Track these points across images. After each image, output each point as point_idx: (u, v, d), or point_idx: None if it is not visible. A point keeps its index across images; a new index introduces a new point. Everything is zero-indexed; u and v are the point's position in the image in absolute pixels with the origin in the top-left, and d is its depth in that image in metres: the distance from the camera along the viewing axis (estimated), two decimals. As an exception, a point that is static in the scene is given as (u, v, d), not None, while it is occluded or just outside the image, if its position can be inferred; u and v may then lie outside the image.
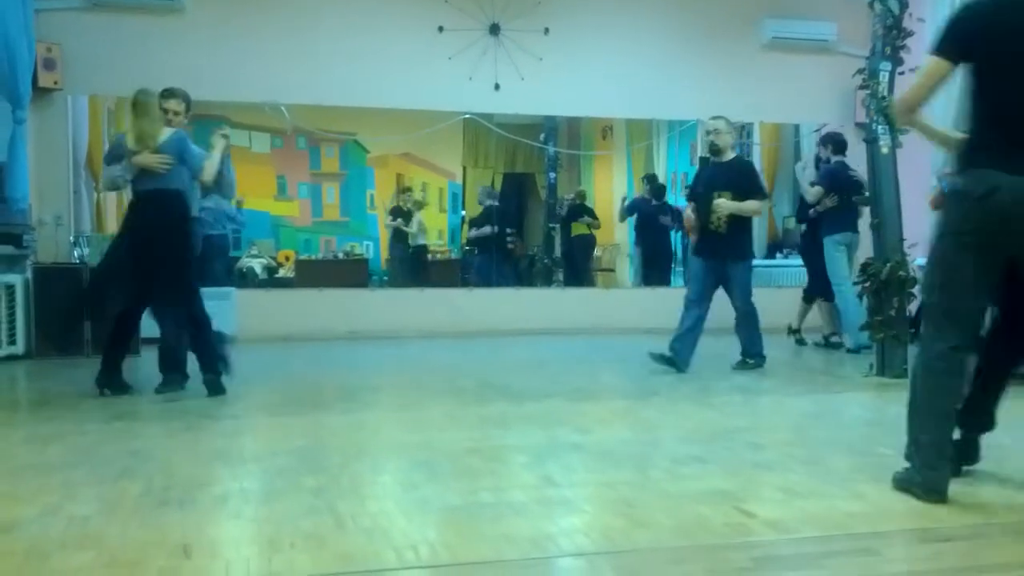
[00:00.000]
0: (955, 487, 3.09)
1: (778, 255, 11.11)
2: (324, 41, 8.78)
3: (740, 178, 6.40)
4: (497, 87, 9.23)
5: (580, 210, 11.42)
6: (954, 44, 3.07)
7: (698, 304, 6.40)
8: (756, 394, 5.55)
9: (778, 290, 10.29)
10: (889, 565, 2.49)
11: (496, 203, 11.11)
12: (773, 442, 4.02)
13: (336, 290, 9.22)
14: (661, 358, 6.27)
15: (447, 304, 9.29)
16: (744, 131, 11.06)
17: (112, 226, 9.14)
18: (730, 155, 6.53)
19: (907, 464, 3.11)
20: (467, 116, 9.56)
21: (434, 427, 4.51)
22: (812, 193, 7.70)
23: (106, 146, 9.20)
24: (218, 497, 3.13)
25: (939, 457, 3.01)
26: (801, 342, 8.05)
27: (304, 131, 10.69)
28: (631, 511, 2.96)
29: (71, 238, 8.16)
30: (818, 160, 8.05)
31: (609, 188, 12.31)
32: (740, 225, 6.37)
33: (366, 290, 10.03)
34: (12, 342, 7.25)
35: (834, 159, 7.74)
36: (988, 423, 3.34)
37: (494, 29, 9.18)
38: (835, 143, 7.81)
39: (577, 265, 11.43)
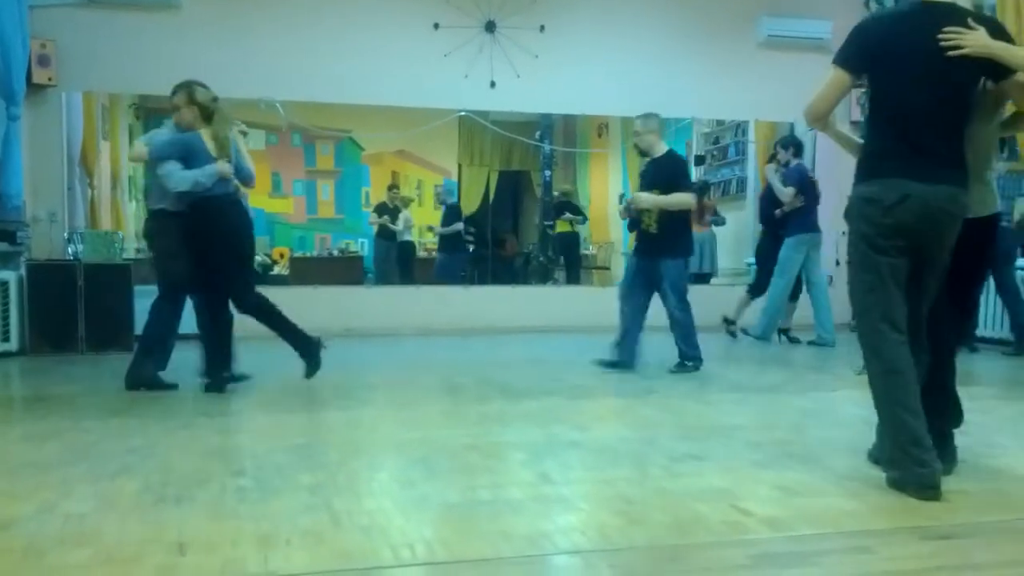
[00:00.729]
0: (951, 485, 3.10)
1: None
2: (320, 38, 8.76)
3: (666, 174, 6.31)
4: (493, 84, 9.22)
5: (563, 207, 11.44)
6: (854, 56, 3.20)
7: (625, 300, 6.35)
8: (753, 392, 5.56)
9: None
10: (885, 563, 2.49)
11: (455, 200, 11.14)
12: (770, 440, 4.02)
13: (331, 287, 9.20)
14: (605, 363, 6.28)
15: (443, 302, 9.28)
16: (739, 129, 11.09)
17: (106, 223, 9.14)
18: (660, 151, 6.41)
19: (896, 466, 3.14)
20: (462, 113, 9.56)
21: (432, 424, 4.51)
22: (787, 194, 7.87)
23: (102, 142, 9.25)
24: (215, 494, 3.13)
25: (922, 451, 3.04)
26: (734, 333, 8.46)
27: (299, 128, 10.68)
28: (628, 509, 2.96)
29: (65, 235, 8.13)
30: (774, 161, 8.32)
31: (605, 186, 12.33)
32: (672, 223, 6.25)
33: (361, 287, 10.04)
34: (6, 339, 7.23)
35: (794, 161, 8.02)
36: (956, 417, 3.39)
37: (490, 26, 9.17)
38: (796, 145, 8.11)
39: (561, 262, 11.46)
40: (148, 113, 10.25)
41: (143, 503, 3.02)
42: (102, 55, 8.20)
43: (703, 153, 11.62)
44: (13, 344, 7.26)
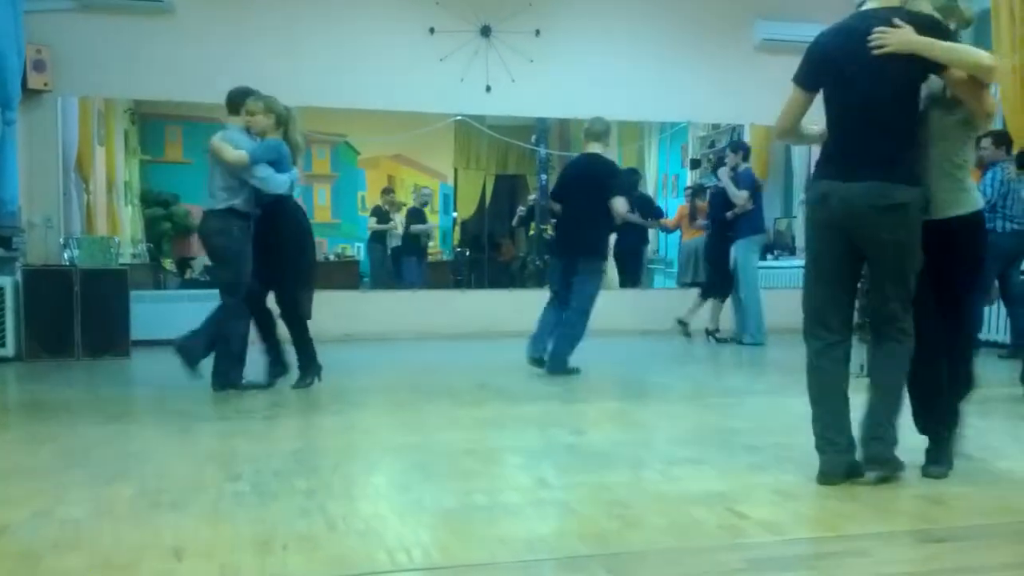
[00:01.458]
0: (948, 488, 3.11)
1: (769, 256, 11.12)
2: (315, 43, 8.77)
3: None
4: (488, 89, 9.24)
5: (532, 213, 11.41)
6: (806, 73, 3.35)
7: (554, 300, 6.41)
8: (750, 395, 5.56)
9: (770, 291, 10.32)
10: (882, 566, 2.49)
11: (427, 201, 11.12)
12: (766, 444, 4.02)
13: (328, 292, 9.16)
14: (534, 361, 6.32)
15: (439, 306, 9.28)
16: (735, 132, 11.09)
17: (102, 228, 9.12)
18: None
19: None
20: (458, 118, 9.56)
21: (428, 428, 4.50)
22: (741, 198, 8.08)
23: (98, 147, 9.23)
24: (211, 499, 3.12)
25: (823, 441, 3.26)
26: (688, 333, 8.55)
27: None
28: (625, 512, 2.96)
29: (61, 240, 8.13)
30: (720, 165, 8.56)
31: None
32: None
33: (358, 292, 10.01)
34: (2, 344, 7.22)
35: (743, 165, 8.27)
36: (954, 419, 3.41)
37: (485, 31, 9.18)
38: (745, 150, 8.44)
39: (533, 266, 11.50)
40: (144, 118, 10.24)
41: (139, 508, 3.01)
42: (97, 60, 8.20)
43: (698, 157, 11.62)
44: (9, 350, 7.25)
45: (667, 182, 11.77)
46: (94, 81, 8.28)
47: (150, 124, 10.35)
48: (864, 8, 3.28)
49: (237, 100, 5.65)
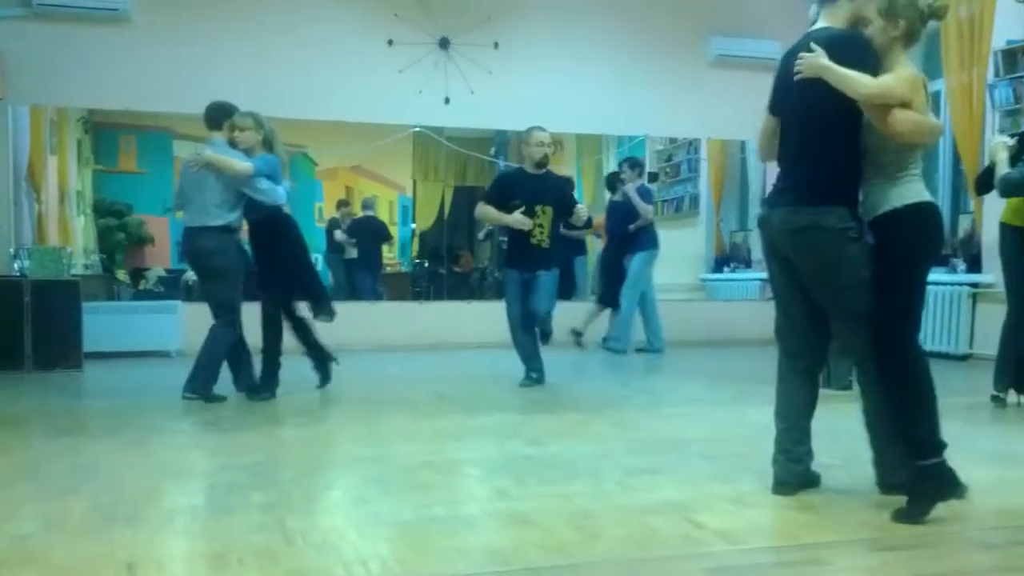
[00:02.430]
0: (900, 498, 3.14)
1: (725, 269, 11.26)
2: (273, 54, 8.72)
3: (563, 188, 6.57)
4: (447, 101, 9.25)
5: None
6: (771, 97, 3.41)
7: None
8: (707, 405, 5.61)
9: (727, 303, 10.45)
10: (838, 574, 2.53)
11: (373, 212, 11.10)
12: (724, 453, 4.06)
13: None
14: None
15: (397, 317, 9.25)
16: (692, 146, 11.22)
17: (54, 238, 8.97)
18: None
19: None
20: (417, 129, 9.55)
21: (386, 441, 4.48)
22: (649, 211, 8.43)
23: (50, 157, 9.08)
24: (166, 513, 3.08)
25: (778, 450, 3.31)
26: (582, 344, 8.68)
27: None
28: (585, 523, 2.97)
29: (11, 250, 7.98)
30: (615, 182, 8.81)
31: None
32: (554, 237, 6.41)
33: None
34: (-50, 357, 7.05)
35: (639, 181, 8.57)
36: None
37: (444, 43, 9.19)
38: (640, 167, 8.77)
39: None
40: (97, 127, 10.10)
41: (92, 523, 2.96)
42: (50, 68, 8.08)
43: (656, 170, 11.72)
44: (-43, 362, 7.09)
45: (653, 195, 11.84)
46: (47, 90, 8.16)
47: (104, 133, 10.20)
48: (811, 28, 3.32)
49: (219, 115, 5.63)
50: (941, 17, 3.24)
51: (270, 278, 5.70)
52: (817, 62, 3.07)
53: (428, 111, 9.23)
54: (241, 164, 5.37)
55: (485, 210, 6.36)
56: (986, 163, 5.51)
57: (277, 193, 5.58)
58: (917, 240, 3.13)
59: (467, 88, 9.22)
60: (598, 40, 9.65)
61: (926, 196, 3.17)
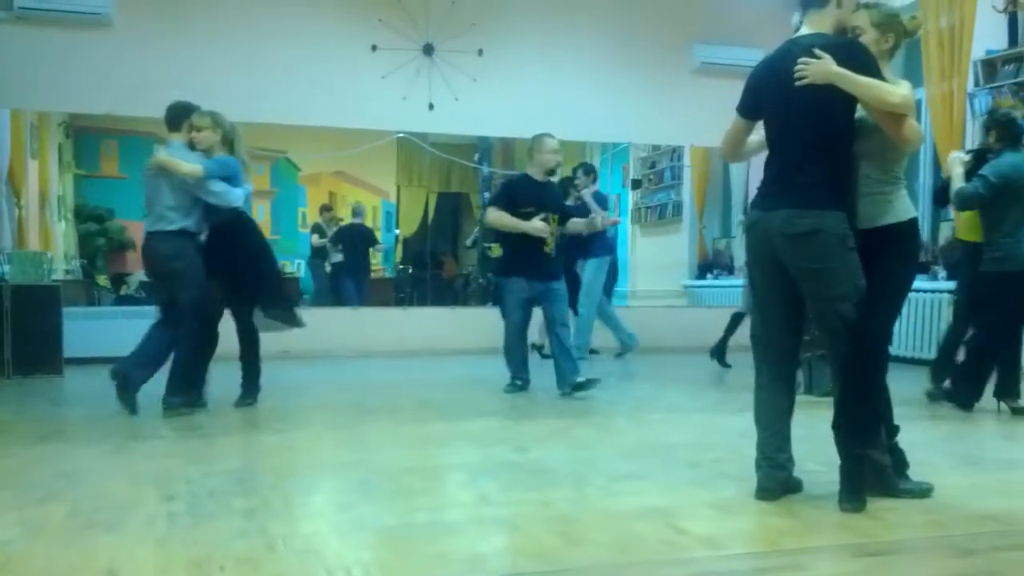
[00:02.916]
0: (880, 503, 3.18)
1: (708, 275, 11.31)
2: (256, 58, 8.69)
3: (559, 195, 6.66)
4: (431, 107, 9.25)
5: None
6: (743, 101, 3.46)
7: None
8: (690, 412, 5.63)
9: (709, 310, 10.47)
10: (820, 579, 2.54)
11: (362, 219, 11.08)
12: (707, 459, 4.07)
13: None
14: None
15: (381, 323, 9.23)
16: (675, 153, 11.28)
17: (35, 243, 8.92)
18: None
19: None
20: (401, 135, 9.55)
21: (369, 447, 4.47)
22: (606, 216, 8.15)
23: (30, 161, 9.03)
24: (147, 519, 3.06)
25: (760, 457, 3.32)
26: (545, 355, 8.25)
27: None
28: (567, 529, 2.97)
29: (-9, 255, 7.92)
30: (569, 187, 8.62)
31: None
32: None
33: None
34: (-72, 362, 6.99)
35: (593, 187, 8.52)
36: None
37: (428, 49, 9.20)
38: (595, 172, 8.80)
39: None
40: (79, 131, 10.06)
41: (72, 529, 2.94)
42: (31, 72, 8.03)
43: (639, 177, 11.78)
44: (-64, 368, 7.03)
45: (609, 202, 11.88)
46: (28, 93, 8.11)
47: (85, 138, 10.18)
48: (796, 35, 3.35)
49: (179, 116, 5.48)
50: (912, 35, 3.41)
51: (232, 284, 5.51)
52: (829, 69, 3.06)
53: (412, 117, 9.22)
54: (188, 166, 5.19)
55: (500, 216, 6.16)
56: (943, 177, 5.68)
57: (232, 195, 5.37)
58: (916, 252, 3.32)
59: (451, 94, 9.23)
60: (582, 47, 9.68)
61: (914, 210, 3.31)
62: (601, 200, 8.50)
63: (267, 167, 11.58)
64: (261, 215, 11.53)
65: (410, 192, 11.87)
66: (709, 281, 11.22)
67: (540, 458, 4.18)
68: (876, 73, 3.13)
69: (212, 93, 8.43)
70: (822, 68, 3.08)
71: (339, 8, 9.04)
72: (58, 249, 9.63)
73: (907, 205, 3.27)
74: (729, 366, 7.65)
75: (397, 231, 11.99)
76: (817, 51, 3.11)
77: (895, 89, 3.07)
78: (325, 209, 11.32)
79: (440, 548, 2.75)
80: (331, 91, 8.91)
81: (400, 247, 11.89)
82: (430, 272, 11.43)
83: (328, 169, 11.51)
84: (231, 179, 5.38)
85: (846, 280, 3.14)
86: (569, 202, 8.45)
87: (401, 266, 11.69)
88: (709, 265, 11.46)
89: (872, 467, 3.24)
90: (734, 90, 3.53)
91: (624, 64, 9.76)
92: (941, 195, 5.70)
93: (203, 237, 5.52)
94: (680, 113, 9.82)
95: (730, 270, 11.03)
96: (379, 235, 11.68)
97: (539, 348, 8.49)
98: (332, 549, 2.75)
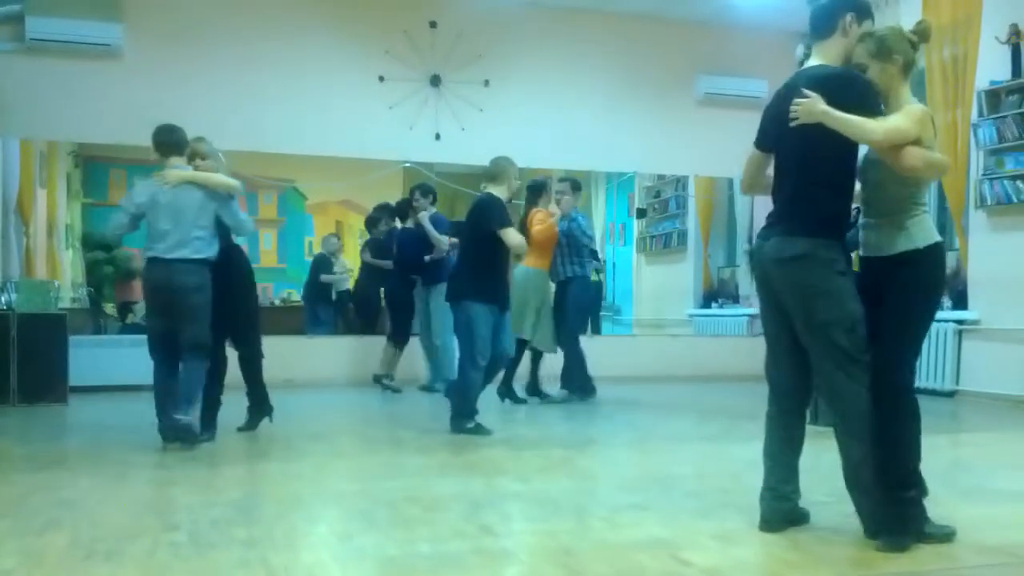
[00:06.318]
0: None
1: (713, 304, 11.29)
2: (264, 88, 8.76)
3: None
4: (438, 137, 9.30)
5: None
6: (758, 134, 3.47)
7: None
8: (693, 441, 5.60)
9: (714, 339, 10.46)
10: (823, 612, 2.52)
11: (335, 250, 10.97)
12: (710, 489, 4.05)
13: (273, 337, 9.05)
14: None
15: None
16: (680, 183, 11.31)
17: (42, 272, 8.96)
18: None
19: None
20: (407, 165, 9.59)
21: (372, 476, 4.46)
22: (444, 242, 8.00)
23: (39, 190, 9.09)
24: (147, 549, 3.04)
25: (765, 488, 3.31)
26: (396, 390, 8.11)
27: (242, 177, 10.59)
28: (569, 560, 2.95)
29: (-1, 283, 7.95)
30: (406, 209, 8.37)
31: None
32: None
33: (304, 337, 9.92)
34: (-65, 390, 6.99)
35: (432, 209, 8.18)
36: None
37: (435, 80, 9.26)
38: (433, 193, 8.30)
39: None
40: (88, 161, 10.12)
41: (72, 559, 2.93)
42: (41, 102, 8.10)
43: (644, 206, 11.80)
44: (-57, 395, 7.03)
45: (614, 231, 11.92)
46: (37, 123, 8.17)
47: (94, 167, 10.24)
48: (803, 66, 3.36)
49: (182, 139, 5.23)
50: (927, 39, 3.28)
51: (220, 317, 5.18)
52: (814, 108, 3.06)
53: (418, 147, 9.28)
54: (225, 178, 4.99)
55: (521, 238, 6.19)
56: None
57: (250, 222, 5.25)
58: (936, 280, 3.22)
59: (458, 125, 9.29)
60: (588, 78, 9.73)
61: (937, 235, 3.22)
62: (439, 223, 8.13)
63: (275, 196, 11.63)
64: (268, 244, 11.59)
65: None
66: (714, 310, 11.21)
67: (543, 489, 4.16)
68: (871, 104, 3.11)
69: (221, 123, 8.52)
70: (808, 107, 3.08)
71: (346, 40, 9.12)
72: (65, 277, 9.67)
73: (926, 231, 3.17)
74: (524, 401, 7.24)
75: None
76: (804, 90, 3.11)
77: (877, 125, 3.04)
78: (330, 238, 11.25)
79: (441, 579, 2.74)
80: (339, 121, 8.97)
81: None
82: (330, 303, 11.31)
83: (335, 198, 11.55)
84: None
85: (835, 305, 3.11)
86: (409, 224, 8.30)
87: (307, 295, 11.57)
88: (714, 294, 11.44)
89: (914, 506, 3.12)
90: (737, 121, 3.56)
91: (629, 95, 9.81)
92: None
93: None
94: (684, 143, 9.86)
95: (735, 299, 11.02)
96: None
97: (380, 379, 8.19)
98: (333, 579, 2.74)
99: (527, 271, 7.19)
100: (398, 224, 8.71)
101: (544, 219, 7.15)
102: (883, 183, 3.21)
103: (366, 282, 9.56)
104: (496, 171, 6.16)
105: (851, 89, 3.14)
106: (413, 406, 7.42)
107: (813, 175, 3.18)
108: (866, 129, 3.05)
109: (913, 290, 3.17)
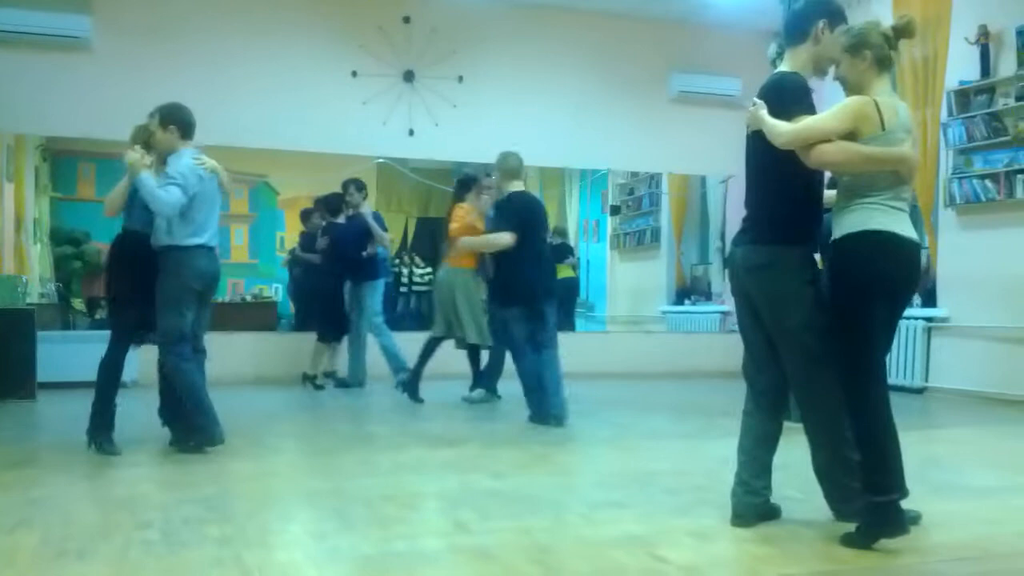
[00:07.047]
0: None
1: (686, 301, 11.34)
2: (236, 83, 8.69)
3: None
4: (411, 132, 9.27)
5: (564, 250, 11.19)
6: None
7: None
8: (671, 439, 5.62)
9: (687, 335, 10.51)
10: (799, 607, 2.53)
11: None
12: (687, 486, 4.06)
13: (244, 333, 9.04)
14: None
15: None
16: (653, 180, 11.34)
17: (10, 266, 8.83)
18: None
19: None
20: (381, 160, 9.55)
21: (346, 474, 4.43)
22: (386, 239, 8.17)
23: (6, 184, 8.96)
24: (119, 548, 3.01)
25: (737, 482, 3.35)
26: (320, 387, 8.11)
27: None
28: (546, 557, 2.95)
29: (-35, 278, 7.83)
30: (340, 203, 8.27)
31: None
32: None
33: (274, 333, 9.86)
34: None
35: (365, 205, 8.20)
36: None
37: (408, 76, 9.23)
38: (365, 189, 8.27)
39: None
40: (56, 154, 9.99)
41: (43, 558, 2.89)
42: (9, 95, 7.99)
43: (618, 203, 11.82)
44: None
45: (588, 227, 11.93)
46: (4, 116, 8.06)
47: (62, 161, 10.10)
48: (775, 68, 3.43)
49: (193, 121, 5.23)
50: (911, 35, 3.24)
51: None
52: (755, 115, 3.21)
53: (392, 142, 9.25)
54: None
55: None
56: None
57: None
58: (861, 270, 3.08)
59: (431, 120, 9.26)
60: (562, 75, 9.74)
61: (875, 224, 3.08)
62: (378, 219, 8.19)
63: (246, 191, 11.54)
64: (239, 239, 11.50)
65: (389, 217, 11.84)
66: (687, 307, 11.26)
67: (519, 485, 4.16)
68: (788, 106, 3.16)
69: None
70: (752, 115, 3.23)
71: (320, 34, 9.06)
72: (33, 272, 9.53)
73: (865, 217, 3.09)
74: (422, 401, 7.10)
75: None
76: (754, 99, 3.26)
77: (787, 127, 3.12)
78: (307, 214, 11.08)
79: (418, 577, 2.73)
80: (312, 116, 8.92)
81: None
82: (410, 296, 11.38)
83: (307, 193, 11.48)
84: None
85: (802, 309, 3.19)
86: (341, 219, 8.21)
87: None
88: (687, 291, 11.49)
89: (888, 511, 3.07)
90: (711, 118, 3.60)
91: (603, 92, 9.83)
92: None
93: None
94: (658, 140, 9.89)
95: (708, 296, 11.07)
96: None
97: (312, 379, 8.15)
98: (308, 578, 2.72)
99: (451, 271, 7.06)
100: (328, 219, 8.48)
101: (462, 217, 7.06)
102: (840, 172, 3.26)
103: (301, 277, 9.48)
104: (519, 166, 6.47)
105: (774, 92, 3.26)
106: (379, 402, 7.39)
107: (773, 184, 3.29)
108: (773, 131, 3.15)
109: (842, 277, 3.15)
